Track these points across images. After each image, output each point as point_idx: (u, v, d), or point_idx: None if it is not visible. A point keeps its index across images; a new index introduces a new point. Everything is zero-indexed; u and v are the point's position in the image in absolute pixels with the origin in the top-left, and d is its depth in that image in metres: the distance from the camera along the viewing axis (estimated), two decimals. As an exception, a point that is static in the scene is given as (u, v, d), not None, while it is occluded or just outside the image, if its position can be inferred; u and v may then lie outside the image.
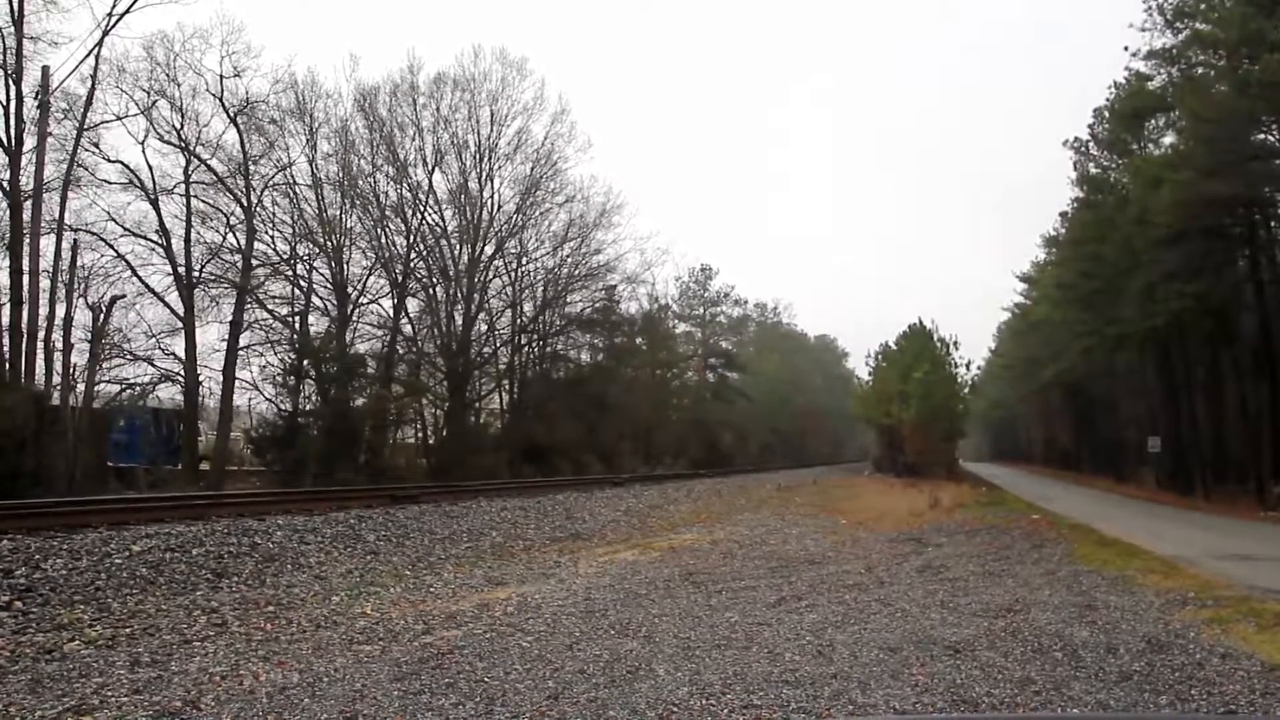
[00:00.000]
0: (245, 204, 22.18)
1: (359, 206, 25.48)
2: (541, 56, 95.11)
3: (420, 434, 28.06)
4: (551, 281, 31.25)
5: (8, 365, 15.91)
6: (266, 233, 23.43)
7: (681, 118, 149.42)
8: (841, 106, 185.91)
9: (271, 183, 23.18)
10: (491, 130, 27.79)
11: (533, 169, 28.95)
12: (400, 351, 26.87)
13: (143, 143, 20.71)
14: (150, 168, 20.74)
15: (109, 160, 19.94)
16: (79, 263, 18.85)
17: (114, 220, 20.09)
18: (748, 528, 14.16)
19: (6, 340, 16.08)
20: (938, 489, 21.45)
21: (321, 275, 24.72)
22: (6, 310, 16.34)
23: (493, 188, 28.43)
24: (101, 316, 19.24)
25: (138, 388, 20.54)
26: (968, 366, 37.22)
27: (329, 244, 24.34)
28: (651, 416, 40.09)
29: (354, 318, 25.35)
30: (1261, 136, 20.39)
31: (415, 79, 26.51)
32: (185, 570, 7.33)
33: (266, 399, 23.32)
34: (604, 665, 4.77)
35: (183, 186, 21.24)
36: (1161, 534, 13.09)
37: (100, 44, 18.10)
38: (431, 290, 27.63)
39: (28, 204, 16.35)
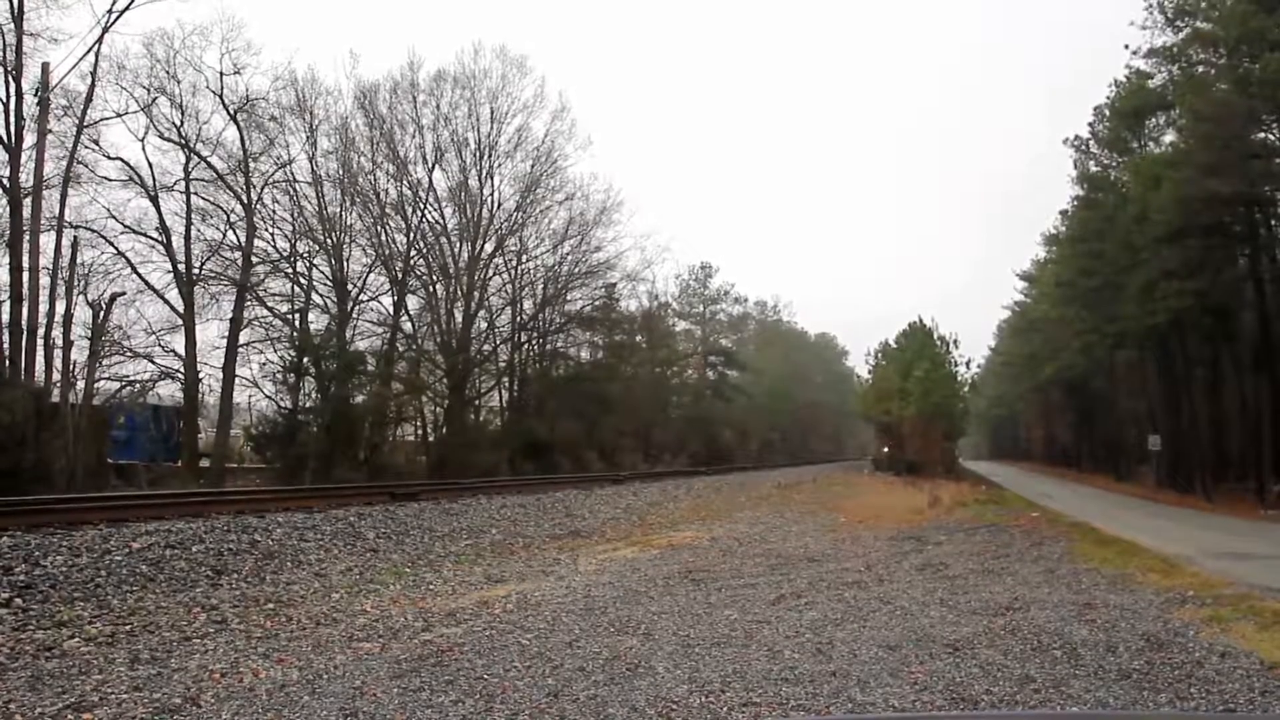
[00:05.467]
0: (245, 201, 22.18)
1: (359, 204, 25.50)
2: (542, 54, 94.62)
3: (420, 431, 28.08)
4: (551, 279, 31.28)
5: (8, 362, 15.90)
6: (266, 230, 23.49)
7: (682, 115, 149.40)
8: (842, 105, 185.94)
9: (271, 180, 23.22)
10: (491, 128, 27.81)
11: (533, 166, 28.98)
12: (400, 349, 26.88)
13: (143, 140, 20.77)
14: (150, 165, 20.79)
15: (109, 157, 20.00)
16: (79, 260, 18.85)
17: (114, 217, 20.15)
18: (747, 525, 14.17)
19: (6, 337, 16.08)
20: (937, 487, 21.44)
21: (321, 272, 24.78)
22: (6, 307, 16.36)
23: (493, 185, 28.48)
24: (101, 313, 19.22)
25: (138, 385, 20.51)
26: (968, 365, 37.28)
27: (329, 241, 24.35)
28: (651, 414, 40.10)
29: (354, 315, 25.37)
30: (1261, 135, 20.41)
31: (415, 76, 26.53)
32: (185, 567, 7.33)
33: (266, 396, 23.39)
34: (604, 663, 4.77)
35: (183, 184, 21.30)
36: (1161, 532, 13.10)
37: (100, 41, 18.09)
38: (431, 288, 27.66)
39: (28, 201, 16.33)
